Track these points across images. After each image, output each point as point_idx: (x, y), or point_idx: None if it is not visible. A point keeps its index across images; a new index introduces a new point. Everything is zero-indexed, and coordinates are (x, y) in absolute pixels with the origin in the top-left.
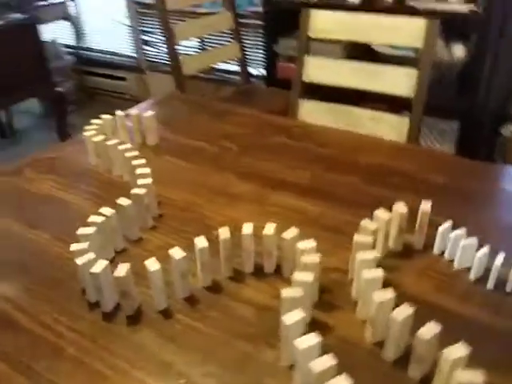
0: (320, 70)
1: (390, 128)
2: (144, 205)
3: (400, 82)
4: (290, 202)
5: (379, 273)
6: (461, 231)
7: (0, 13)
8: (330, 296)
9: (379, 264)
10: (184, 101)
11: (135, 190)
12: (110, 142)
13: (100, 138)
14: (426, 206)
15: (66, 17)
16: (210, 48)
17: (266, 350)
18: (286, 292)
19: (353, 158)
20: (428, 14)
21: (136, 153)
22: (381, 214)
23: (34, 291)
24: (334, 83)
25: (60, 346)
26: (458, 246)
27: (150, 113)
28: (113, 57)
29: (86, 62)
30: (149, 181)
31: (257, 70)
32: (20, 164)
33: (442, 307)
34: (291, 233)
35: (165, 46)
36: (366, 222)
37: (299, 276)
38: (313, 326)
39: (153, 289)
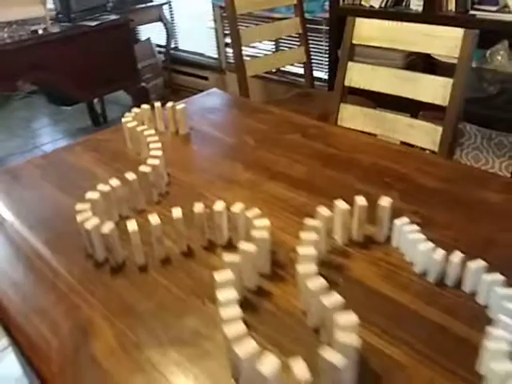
0: (361, 75)
1: (424, 135)
2: (150, 181)
3: (436, 91)
4: (279, 191)
5: (313, 268)
6: (413, 226)
7: (97, 14)
8: (283, 271)
9: (339, 251)
10: (226, 98)
11: (142, 168)
12: (139, 128)
13: (133, 124)
14: (385, 201)
15: (161, 19)
16: (285, 49)
17: (210, 304)
18: (228, 257)
19: (358, 159)
20: (487, 23)
21: (156, 138)
22: (340, 204)
23: (53, 243)
24: (373, 88)
25: (54, 282)
26: (407, 239)
27: (181, 105)
28: (198, 57)
29: (175, 61)
30: (156, 162)
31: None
32: (74, 143)
33: (381, 293)
34: (238, 207)
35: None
36: (308, 220)
37: (244, 245)
38: (258, 292)
39: (133, 247)
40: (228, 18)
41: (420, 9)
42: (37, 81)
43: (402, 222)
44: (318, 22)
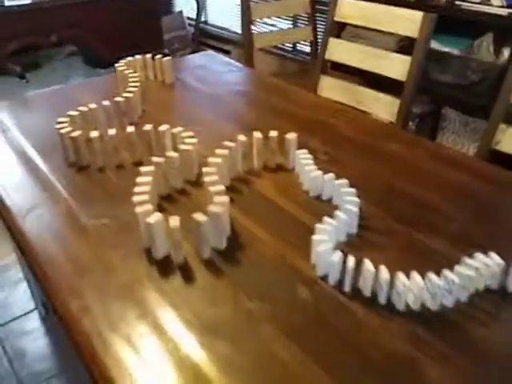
0: (339, 50)
1: (384, 106)
2: (121, 110)
3: (396, 67)
4: (226, 129)
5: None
6: (308, 158)
7: None
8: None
9: (254, 172)
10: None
11: (117, 98)
12: (126, 71)
13: (123, 68)
14: (291, 135)
15: None
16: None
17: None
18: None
19: (301, 113)
20: (473, 15)
21: (137, 79)
22: (256, 134)
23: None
24: (348, 63)
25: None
26: (301, 165)
27: (167, 58)
28: (223, 32)
29: (203, 34)
30: (130, 95)
31: None
32: (79, 84)
33: (273, 201)
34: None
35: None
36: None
37: (172, 153)
38: (181, 192)
39: (98, 152)
40: None
41: None
42: (68, 37)
43: (300, 152)
44: (327, 3)
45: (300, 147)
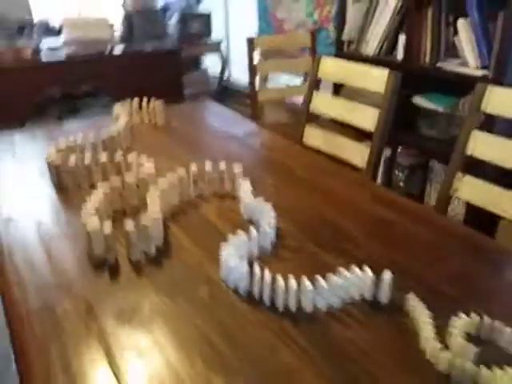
0: (321, 103)
1: (356, 154)
2: (115, 140)
3: (367, 118)
4: (185, 158)
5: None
6: (248, 187)
7: (156, 41)
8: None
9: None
10: (212, 110)
11: (110, 131)
12: (118, 112)
13: (119, 111)
14: (238, 168)
15: (218, 52)
16: None
17: None
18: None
19: (270, 155)
20: (453, 76)
21: (125, 117)
22: (193, 166)
23: None
24: (328, 114)
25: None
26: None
27: (158, 101)
28: (243, 86)
29: (225, 89)
30: (120, 127)
31: None
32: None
33: (213, 224)
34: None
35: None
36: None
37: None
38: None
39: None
40: (248, 53)
41: (400, 58)
42: (97, 87)
43: (243, 182)
44: None
45: (254, 180)
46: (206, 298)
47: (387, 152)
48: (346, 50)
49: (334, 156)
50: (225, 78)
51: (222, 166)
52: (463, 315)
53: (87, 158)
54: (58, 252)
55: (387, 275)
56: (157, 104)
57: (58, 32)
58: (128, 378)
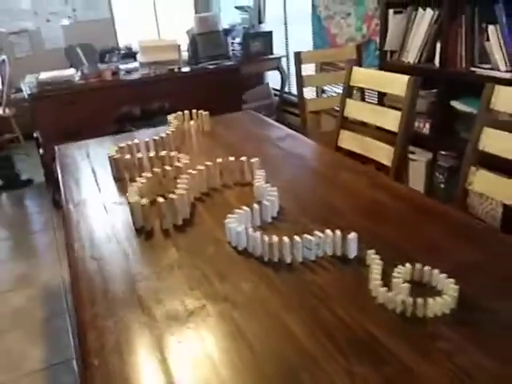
0: (353, 109)
1: (385, 154)
2: (163, 141)
3: (391, 120)
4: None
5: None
6: (262, 173)
7: (219, 60)
8: None
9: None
10: (253, 118)
11: (161, 134)
12: (172, 120)
13: (174, 121)
14: (255, 159)
15: (278, 68)
16: None
17: None
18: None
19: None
20: (486, 79)
21: (175, 125)
22: (218, 159)
23: None
24: (358, 118)
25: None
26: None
27: (205, 112)
28: None
29: (286, 103)
30: (169, 132)
31: None
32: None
33: (230, 203)
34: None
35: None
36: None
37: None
38: None
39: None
40: (295, 66)
41: (438, 66)
42: (166, 104)
43: (258, 172)
44: None
45: (272, 171)
46: (212, 253)
47: (429, 155)
48: (388, 60)
49: (365, 156)
50: (286, 91)
51: (243, 159)
52: (407, 265)
53: (140, 154)
54: (115, 222)
55: (353, 235)
56: (204, 114)
57: (134, 55)
58: (144, 293)
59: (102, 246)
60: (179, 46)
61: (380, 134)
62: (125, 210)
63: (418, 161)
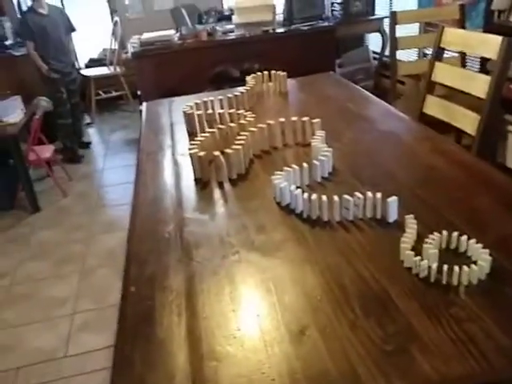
0: (441, 73)
1: (470, 123)
2: (238, 99)
3: (480, 86)
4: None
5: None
6: (321, 134)
7: (313, 21)
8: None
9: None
10: (335, 81)
11: (235, 92)
12: (250, 81)
13: (252, 81)
14: (316, 120)
15: (379, 30)
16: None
17: None
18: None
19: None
20: None
21: (252, 84)
22: (281, 119)
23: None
24: (448, 83)
25: None
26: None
27: (283, 73)
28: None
29: (386, 67)
30: (244, 90)
31: None
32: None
33: (286, 162)
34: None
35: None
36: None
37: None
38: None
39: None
40: (390, 27)
41: None
42: (257, 64)
43: (318, 132)
44: None
45: (333, 132)
46: (256, 207)
47: None
48: (496, 21)
49: (450, 123)
50: (386, 54)
51: (305, 119)
52: (444, 232)
53: (210, 110)
54: (180, 171)
55: (393, 198)
56: (282, 75)
57: (230, 17)
58: (186, 235)
59: (162, 191)
60: (274, 6)
61: (470, 100)
62: (190, 161)
63: None
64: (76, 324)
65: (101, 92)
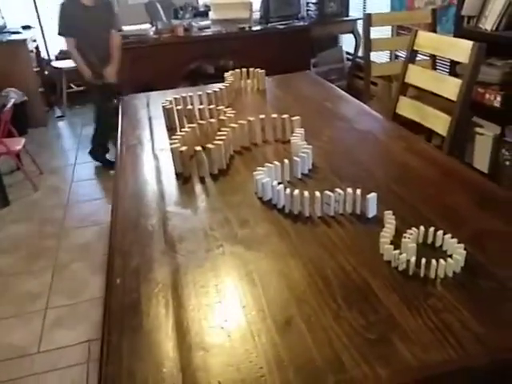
0: (414, 75)
1: (442, 124)
2: (217, 95)
3: (451, 88)
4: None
5: None
6: (300, 131)
7: (289, 20)
8: None
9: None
10: (311, 80)
11: (214, 88)
12: (228, 77)
13: (230, 77)
14: (295, 118)
15: (352, 31)
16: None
17: None
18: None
19: (334, 110)
20: None
21: (230, 80)
22: (260, 116)
23: None
24: (418, 85)
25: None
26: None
27: (262, 71)
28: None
29: (359, 68)
30: (223, 87)
31: None
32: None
33: (266, 158)
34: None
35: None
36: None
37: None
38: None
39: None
40: (363, 29)
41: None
42: (232, 62)
43: (297, 130)
44: None
45: (312, 130)
46: (238, 201)
47: (497, 130)
48: (465, 26)
49: (422, 124)
50: (359, 55)
51: (285, 116)
52: (421, 227)
53: (190, 106)
54: (160, 166)
55: (372, 195)
56: (260, 73)
57: (207, 13)
58: (169, 228)
59: (143, 185)
60: (251, 3)
61: (441, 103)
62: (170, 156)
63: (485, 135)
64: (49, 319)
65: (72, 85)
